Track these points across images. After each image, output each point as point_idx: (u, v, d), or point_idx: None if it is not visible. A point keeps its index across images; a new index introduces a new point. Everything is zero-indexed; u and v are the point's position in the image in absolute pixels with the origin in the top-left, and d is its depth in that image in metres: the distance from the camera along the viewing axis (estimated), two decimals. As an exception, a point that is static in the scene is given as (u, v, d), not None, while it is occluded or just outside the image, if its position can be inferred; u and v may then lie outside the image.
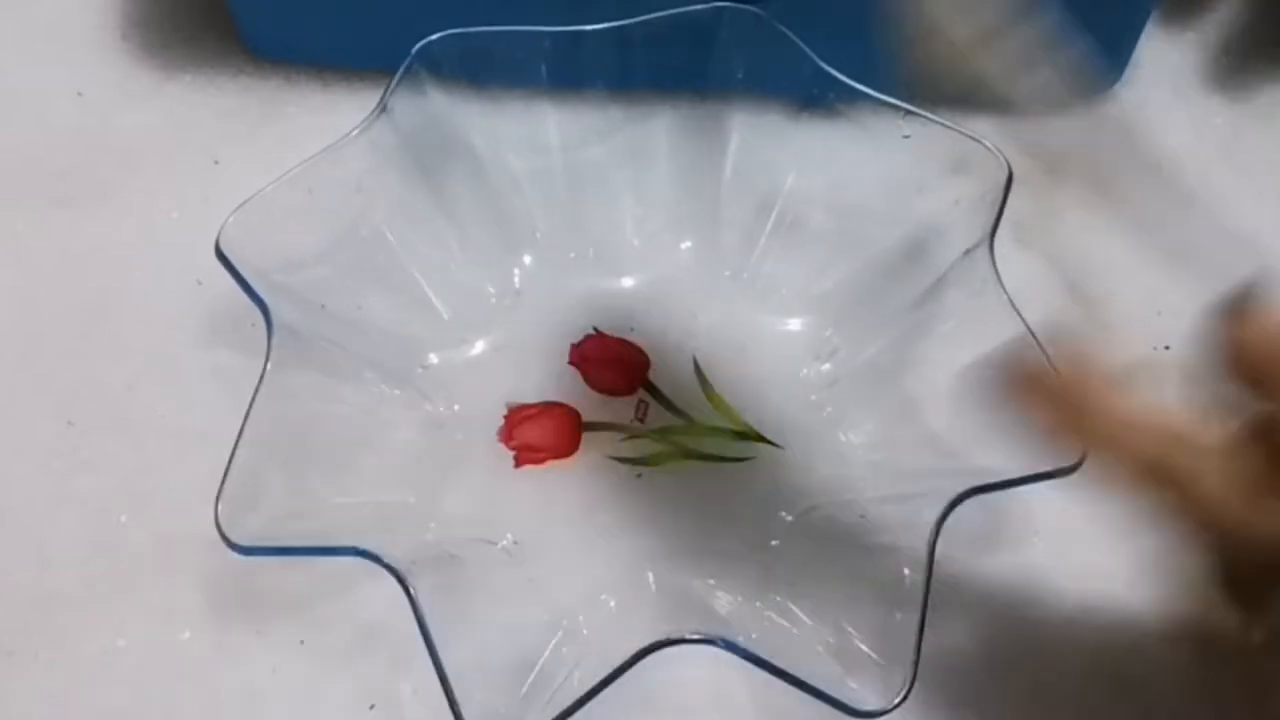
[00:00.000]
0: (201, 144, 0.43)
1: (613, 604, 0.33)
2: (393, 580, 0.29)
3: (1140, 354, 0.39)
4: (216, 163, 0.42)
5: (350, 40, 0.43)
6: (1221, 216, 0.42)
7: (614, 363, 0.38)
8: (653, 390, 0.37)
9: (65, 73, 0.44)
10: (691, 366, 0.38)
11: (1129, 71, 0.44)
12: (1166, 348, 0.39)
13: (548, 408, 0.37)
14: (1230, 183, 0.43)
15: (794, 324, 0.39)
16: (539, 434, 0.37)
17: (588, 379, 0.37)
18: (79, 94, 0.44)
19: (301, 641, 0.33)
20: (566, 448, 0.36)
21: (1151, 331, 0.39)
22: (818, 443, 0.36)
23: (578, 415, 0.37)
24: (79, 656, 0.33)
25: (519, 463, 0.36)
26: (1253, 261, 0.28)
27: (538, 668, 0.31)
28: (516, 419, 0.37)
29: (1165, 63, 0.45)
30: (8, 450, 0.36)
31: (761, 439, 0.36)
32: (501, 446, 0.36)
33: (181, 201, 0.41)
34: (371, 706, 0.33)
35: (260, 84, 0.44)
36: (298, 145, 0.34)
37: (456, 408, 0.37)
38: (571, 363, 0.38)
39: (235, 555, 0.35)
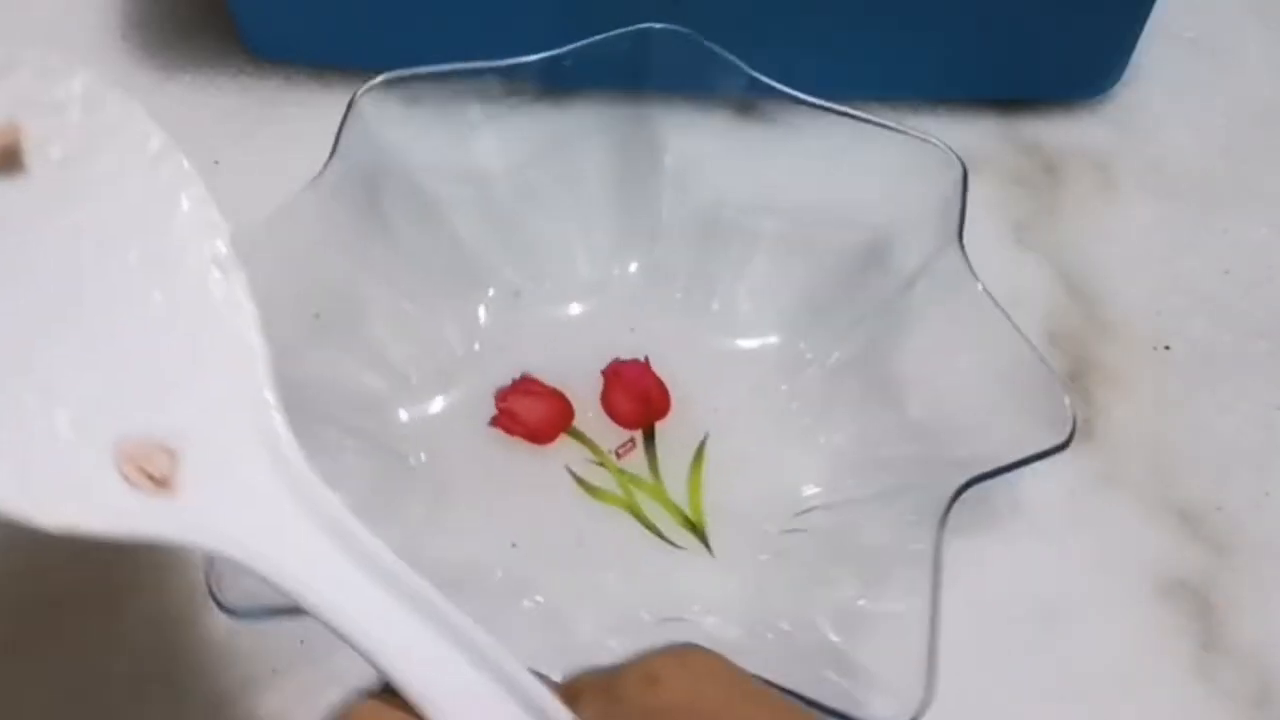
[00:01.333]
0: (201, 144, 0.42)
1: (614, 644, 0.33)
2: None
3: (1140, 354, 0.39)
4: (216, 163, 0.42)
5: (350, 40, 0.43)
6: (1220, 217, 0.42)
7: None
8: (649, 439, 0.37)
9: (65, 73, 0.44)
10: (702, 437, 0.37)
11: (1129, 71, 0.44)
12: (1166, 348, 0.39)
13: (553, 394, 0.37)
14: (1230, 183, 0.43)
15: (763, 340, 0.38)
16: (528, 409, 0.37)
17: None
18: (79, 94, 0.44)
19: (301, 641, 0.33)
20: (544, 434, 0.36)
21: (1151, 331, 0.39)
22: (802, 449, 0.36)
23: (570, 415, 0.37)
24: (79, 656, 0.33)
25: (495, 422, 0.36)
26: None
27: None
28: (522, 388, 0.37)
29: (1165, 63, 0.45)
30: (8, 450, 0.36)
31: (704, 541, 0.35)
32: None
33: (181, 201, 0.41)
34: (371, 706, 0.32)
35: (260, 84, 0.44)
36: (298, 145, 0.34)
37: (423, 457, 0.36)
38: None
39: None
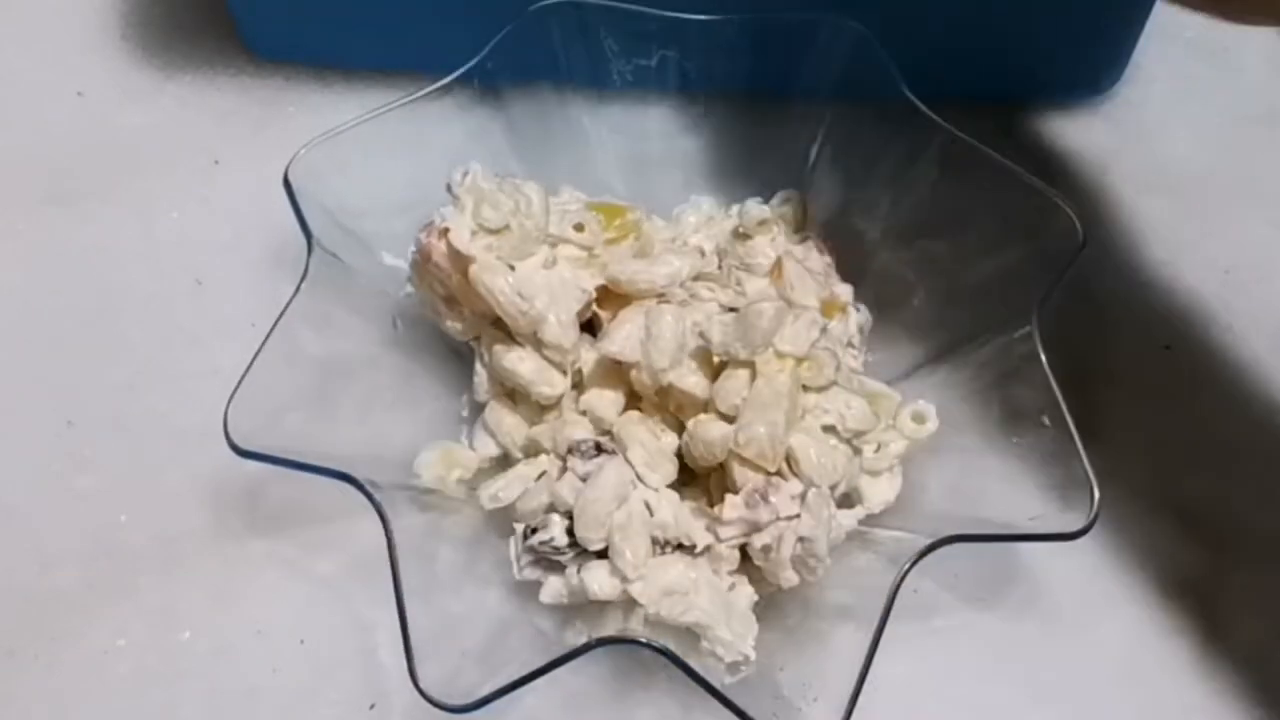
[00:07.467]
0: (201, 144, 0.43)
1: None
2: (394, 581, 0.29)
3: (1140, 354, 0.39)
4: (216, 163, 0.42)
5: (350, 40, 0.43)
6: (1220, 217, 0.42)
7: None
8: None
9: (65, 73, 0.44)
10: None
11: (1129, 71, 0.44)
12: (1167, 348, 0.39)
13: None
14: (1230, 183, 0.43)
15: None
16: None
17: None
18: (79, 94, 0.44)
19: (301, 641, 0.33)
20: None
21: (1152, 331, 0.39)
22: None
23: None
24: (79, 656, 0.33)
25: None
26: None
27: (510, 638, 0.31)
28: None
29: (1165, 63, 0.45)
30: (8, 450, 0.36)
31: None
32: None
33: (181, 201, 0.41)
34: (371, 706, 0.33)
35: (260, 84, 0.44)
36: (298, 145, 0.34)
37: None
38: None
39: (234, 551, 0.35)
